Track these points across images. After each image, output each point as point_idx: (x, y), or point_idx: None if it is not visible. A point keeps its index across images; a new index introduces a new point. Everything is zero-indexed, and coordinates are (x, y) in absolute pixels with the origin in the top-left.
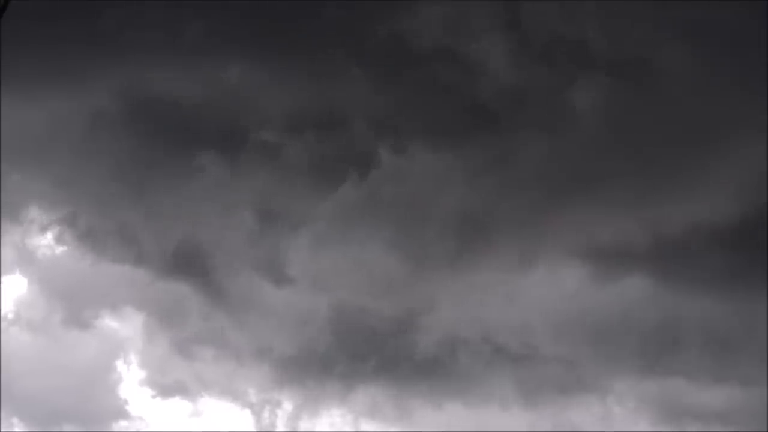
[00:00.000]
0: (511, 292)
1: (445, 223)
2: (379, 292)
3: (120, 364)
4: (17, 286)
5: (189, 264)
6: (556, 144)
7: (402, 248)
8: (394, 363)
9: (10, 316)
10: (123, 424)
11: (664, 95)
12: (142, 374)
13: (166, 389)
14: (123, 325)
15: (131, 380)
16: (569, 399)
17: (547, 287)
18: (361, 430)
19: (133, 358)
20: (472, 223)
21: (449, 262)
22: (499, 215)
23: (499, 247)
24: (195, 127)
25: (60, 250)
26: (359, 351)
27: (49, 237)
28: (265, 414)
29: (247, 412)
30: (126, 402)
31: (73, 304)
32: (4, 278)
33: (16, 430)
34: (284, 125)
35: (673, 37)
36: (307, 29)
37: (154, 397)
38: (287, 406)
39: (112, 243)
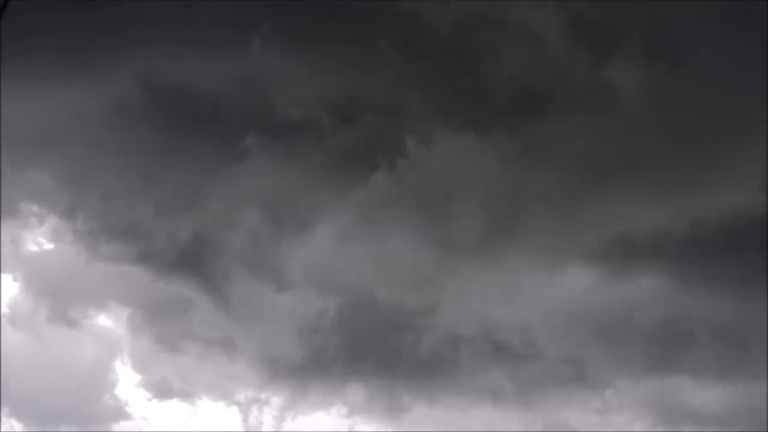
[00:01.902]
0: (527, 289)
1: (472, 216)
2: (404, 286)
3: (118, 365)
4: (11, 283)
5: (192, 263)
6: (590, 129)
7: (427, 241)
8: (396, 359)
9: (7, 313)
10: (124, 424)
11: (698, 80)
12: (137, 376)
13: (160, 390)
14: (116, 325)
15: (128, 381)
16: (569, 398)
17: (557, 285)
18: (357, 428)
19: (129, 359)
20: (501, 217)
21: (475, 256)
22: (529, 208)
23: (528, 244)
24: (214, 119)
25: (49, 246)
26: (359, 349)
27: (42, 233)
28: (254, 413)
29: (235, 410)
30: (126, 403)
31: (59, 301)
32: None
33: (16, 430)
34: (306, 114)
35: (711, 23)
36: (326, 15)
37: (149, 399)
38: (277, 404)
39: (110, 240)
